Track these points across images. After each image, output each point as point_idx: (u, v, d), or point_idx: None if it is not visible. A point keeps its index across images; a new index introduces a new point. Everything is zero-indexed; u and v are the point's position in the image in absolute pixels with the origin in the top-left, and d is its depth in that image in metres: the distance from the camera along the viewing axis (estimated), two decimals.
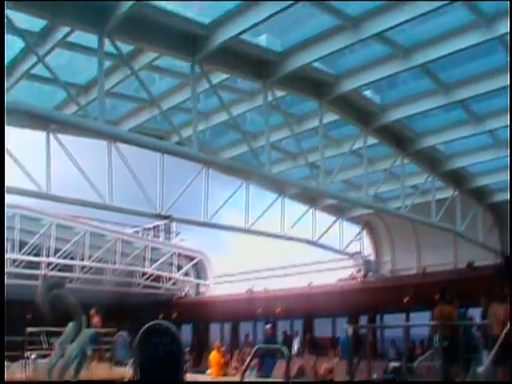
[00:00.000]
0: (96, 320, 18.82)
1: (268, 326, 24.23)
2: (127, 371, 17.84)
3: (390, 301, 22.46)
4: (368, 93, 13.14)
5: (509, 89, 11.08)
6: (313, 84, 12.13)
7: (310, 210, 20.68)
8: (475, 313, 16.00)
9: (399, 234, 23.32)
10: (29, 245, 25.25)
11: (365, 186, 14.31)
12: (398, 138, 14.87)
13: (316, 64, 11.50)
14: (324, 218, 21.85)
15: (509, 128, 12.64)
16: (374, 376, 15.70)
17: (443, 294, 13.09)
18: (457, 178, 17.44)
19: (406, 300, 21.73)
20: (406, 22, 9.74)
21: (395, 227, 23.19)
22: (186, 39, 10.28)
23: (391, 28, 9.95)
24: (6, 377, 17.27)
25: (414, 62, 11.05)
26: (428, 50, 10.74)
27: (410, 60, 11.00)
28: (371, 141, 14.31)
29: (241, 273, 30.42)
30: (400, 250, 23.69)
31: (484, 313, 14.01)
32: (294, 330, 25.60)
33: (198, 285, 32.04)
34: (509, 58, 9.18)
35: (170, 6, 9.62)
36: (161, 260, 29.88)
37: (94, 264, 27.62)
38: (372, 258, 24.58)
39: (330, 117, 13.37)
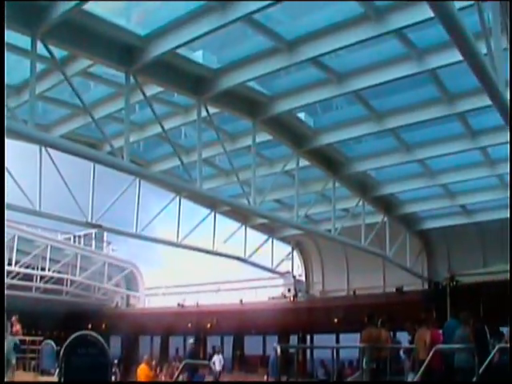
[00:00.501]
0: (17, 328, 18.27)
1: (191, 340, 24.19)
2: (53, 381, 17.48)
3: (320, 321, 22.74)
4: (302, 115, 13.26)
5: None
6: (247, 103, 12.17)
7: (242, 228, 20.74)
8: (402, 336, 16.25)
9: (330, 255, 23.59)
10: None
11: (296, 207, 14.39)
12: (330, 162, 15.07)
13: (251, 83, 11.55)
14: (255, 236, 21.97)
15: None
16: None
17: (371, 317, 13.27)
18: (386, 204, 17.81)
19: (335, 321, 21.96)
20: (342, 48, 9.90)
21: (326, 249, 23.47)
22: (121, 49, 10.14)
23: (326, 53, 10.09)
24: None
25: (347, 88, 11.24)
26: (362, 78, 10.94)
27: (343, 86, 11.17)
28: (303, 162, 14.44)
29: (173, 286, 30.25)
30: (330, 272, 23.96)
31: (410, 337, 14.28)
32: (218, 347, 25.47)
33: (128, 296, 31.63)
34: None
35: (106, 14, 9.51)
36: (92, 269, 29.45)
37: (21, 270, 26.92)
38: (302, 278, 24.77)
39: (264, 136, 13.43)
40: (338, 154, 14.89)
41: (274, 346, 22.94)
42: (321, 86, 11.47)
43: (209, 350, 27.13)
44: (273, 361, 22.08)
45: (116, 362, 24.36)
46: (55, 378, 16.66)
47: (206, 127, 12.44)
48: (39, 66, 10.03)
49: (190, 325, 26.56)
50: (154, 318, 27.98)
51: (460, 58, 9.04)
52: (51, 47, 9.63)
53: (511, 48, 8.91)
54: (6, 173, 13.86)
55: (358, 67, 10.89)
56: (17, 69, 11.49)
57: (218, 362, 23.95)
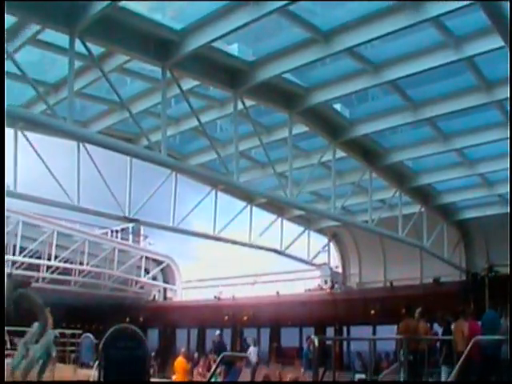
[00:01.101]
0: (49, 322, 18.38)
1: (217, 333, 24.39)
2: (92, 374, 17.75)
3: (356, 313, 22.59)
4: (338, 106, 13.21)
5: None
6: (283, 95, 12.17)
7: (278, 220, 20.77)
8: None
9: (366, 247, 23.48)
10: None
11: (333, 198, 14.37)
12: (367, 153, 14.97)
13: (287, 75, 11.54)
14: (292, 228, 21.96)
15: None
16: None
17: (409, 308, 13.15)
18: (424, 194, 17.62)
19: (372, 312, 21.84)
20: (377, 38, 9.83)
21: (362, 240, 23.35)
22: (157, 44, 10.23)
23: (362, 43, 10.07)
24: None
25: (383, 78, 11.16)
26: (398, 67, 10.85)
27: (379, 76, 11.10)
28: (340, 154, 14.38)
29: (209, 279, 30.40)
30: (367, 263, 23.85)
31: (441, 329, 14.11)
32: (253, 338, 25.54)
33: (165, 289, 31.87)
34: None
35: (142, 10, 9.60)
36: (129, 263, 29.71)
37: (60, 264, 27.32)
38: (339, 269, 24.71)
39: (300, 128, 13.42)
40: (375, 144, 14.78)
41: (308, 338, 23.05)
42: (357, 77, 11.40)
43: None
44: (306, 353, 22.18)
45: (153, 354, 24.63)
46: (94, 371, 16.94)
47: (241, 120, 12.47)
48: (77, 64, 10.13)
49: (226, 317, 26.64)
50: (191, 310, 28.15)
51: (498, 44, 9.08)
52: (88, 44, 9.73)
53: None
54: (46, 169, 14.23)
55: (394, 57, 10.80)
56: (55, 67, 11.70)
57: (254, 353, 24.03)
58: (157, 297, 31.78)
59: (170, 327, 30.91)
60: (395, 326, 16.93)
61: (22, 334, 18.12)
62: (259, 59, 10.97)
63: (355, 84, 11.57)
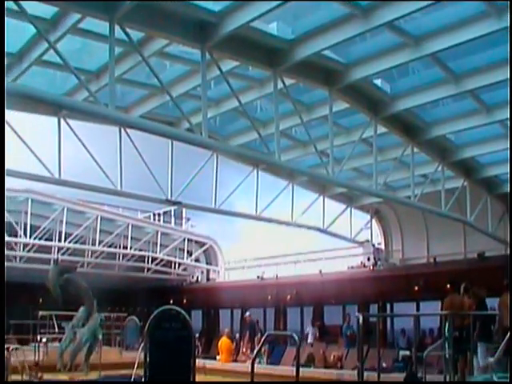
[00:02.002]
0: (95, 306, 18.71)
1: (248, 313, 24.61)
2: (138, 356, 18.05)
3: (400, 289, 22.47)
4: (378, 82, 13.09)
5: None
6: (323, 72, 12.09)
7: (320, 198, 20.74)
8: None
9: (409, 222, 23.35)
10: (40, 229, 25.37)
11: (375, 175, 14.27)
12: (408, 127, 14.80)
13: (326, 52, 11.44)
14: (334, 206, 21.93)
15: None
16: (384, 365, 15.75)
17: (454, 283, 12.99)
18: (467, 168, 17.38)
19: (416, 289, 21.71)
20: (417, 11, 9.69)
21: (405, 216, 23.23)
22: (196, 26, 10.25)
23: (402, 17, 9.91)
24: (18, 359, 17.57)
25: (424, 52, 10.97)
26: (438, 40, 10.65)
27: (420, 49, 10.92)
28: (381, 129, 14.25)
29: (252, 259, 30.55)
30: (410, 239, 23.73)
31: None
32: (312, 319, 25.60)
33: (208, 271, 32.13)
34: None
35: None
36: (172, 245, 29.98)
37: (104, 249, 27.75)
38: (382, 246, 24.63)
39: (340, 105, 13.35)
40: (416, 119, 14.60)
41: (346, 316, 23.11)
42: (397, 51, 11.24)
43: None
44: (345, 331, 22.25)
45: (197, 335, 24.92)
46: (139, 353, 17.23)
47: (282, 99, 12.42)
48: (117, 50, 10.22)
49: (269, 297, 26.75)
50: (234, 291, 28.31)
51: None
52: (128, 30, 9.80)
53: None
54: (88, 156, 14.43)
55: (435, 29, 10.59)
56: (95, 55, 11.83)
57: (311, 333, 24.09)
58: (200, 278, 32.02)
59: (214, 308, 31.16)
60: (439, 302, 16.84)
61: (68, 318, 18.55)
62: (298, 37, 10.89)
63: (395, 58, 11.39)
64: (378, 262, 24.00)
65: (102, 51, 10.74)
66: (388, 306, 24.08)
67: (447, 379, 10.98)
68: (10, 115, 12.86)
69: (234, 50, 11.01)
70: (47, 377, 17.53)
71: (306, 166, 16.28)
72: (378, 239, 24.73)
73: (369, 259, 24.21)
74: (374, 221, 24.37)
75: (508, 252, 19.56)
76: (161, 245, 29.55)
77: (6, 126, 12.62)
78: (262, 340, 16.33)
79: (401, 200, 17.56)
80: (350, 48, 11.72)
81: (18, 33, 10.40)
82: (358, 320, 9.91)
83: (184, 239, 30.79)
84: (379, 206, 23.56)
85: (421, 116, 14.65)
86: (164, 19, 9.95)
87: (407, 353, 18.07)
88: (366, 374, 9.14)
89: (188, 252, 31.21)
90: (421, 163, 16.38)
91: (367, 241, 24.33)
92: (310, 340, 23.78)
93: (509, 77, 9.92)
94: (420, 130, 14.96)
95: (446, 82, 12.42)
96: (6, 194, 23.77)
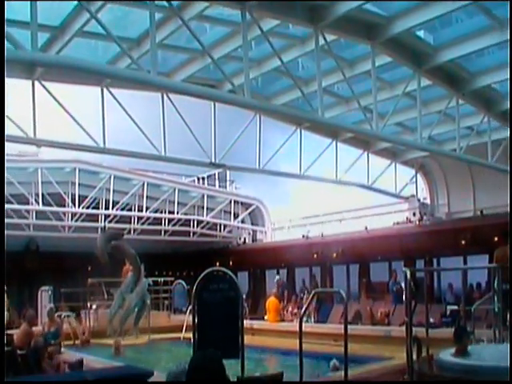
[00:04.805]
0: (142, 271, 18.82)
1: (277, 277, 24.66)
2: (186, 319, 18.40)
3: (446, 244, 22.30)
4: (421, 33, 12.88)
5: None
6: (364, 26, 11.94)
7: (364, 154, 20.64)
8: None
9: (454, 176, 23.07)
10: (88, 198, 25.76)
11: (419, 129, 14.09)
12: (453, 79, 14.52)
13: (367, 6, 11.27)
14: (378, 162, 21.80)
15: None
16: (431, 320, 15.70)
17: (505, 235, 12.71)
18: None
19: (463, 243, 21.53)
20: None
21: (450, 169, 22.96)
22: None
23: None
24: (70, 326, 18.05)
25: None
26: None
27: None
28: (425, 82, 14.03)
29: (298, 219, 30.54)
30: (456, 193, 23.46)
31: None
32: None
33: (255, 232, 32.27)
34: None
35: None
36: (218, 208, 30.11)
37: (151, 214, 28.05)
38: (427, 200, 24.43)
39: (383, 59, 13.14)
40: (461, 69, 14.31)
41: (392, 272, 23.00)
42: (439, 0, 10.99)
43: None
44: (391, 287, 22.20)
45: (244, 296, 25.17)
46: (187, 315, 17.53)
47: (323, 56, 12.32)
48: (156, 16, 10.20)
49: (315, 256, 26.84)
50: (280, 251, 28.38)
51: None
52: None
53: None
54: (131, 124, 14.56)
55: None
56: (136, 22, 11.85)
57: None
58: (247, 240, 32.22)
59: (260, 269, 31.40)
60: (486, 256, 16.70)
61: (117, 285, 18.92)
62: None
63: (438, 8, 11.13)
64: (424, 217, 23.82)
65: (141, 18, 10.76)
66: (435, 262, 23.93)
67: (496, 334, 10.87)
68: (53, 87, 13.09)
69: (274, 9, 10.91)
70: (98, 342, 18.01)
71: (349, 122, 16.15)
72: (424, 194, 24.54)
73: (414, 214, 24.04)
74: (419, 175, 24.15)
75: None
76: (207, 208, 29.71)
77: (50, 97, 12.96)
78: (309, 298, 16.45)
79: (446, 153, 17.34)
80: (391, 0, 11.49)
81: (59, 6, 10.51)
82: (406, 275, 9.80)
83: (230, 201, 30.80)
84: (424, 160, 23.30)
85: (465, 66, 14.35)
86: None
87: (455, 307, 17.98)
88: (413, 329, 9.10)
89: (234, 214, 31.30)
90: (466, 115, 16.15)
91: (412, 196, 24.16)
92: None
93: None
94: (465, 81, 14.67)
95: (491, 29, 12.11)
96: (54, 165, 24.32)
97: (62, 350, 14.17)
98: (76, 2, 9.93)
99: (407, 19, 11.63)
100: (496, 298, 11.73)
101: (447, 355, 8.33)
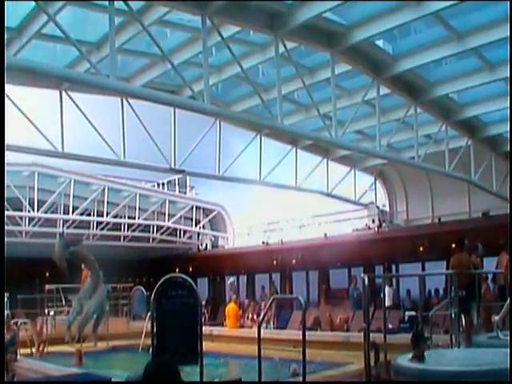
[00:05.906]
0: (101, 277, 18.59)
1: (232, 279, 24.69)
2: (145, 325, 18.24)
3: (405, 250, 22.54)
4: (380, 42, 13.03)
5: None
6: (324, 34, 11.99)
7: (324, 161, 20.76)
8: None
9: (413, 183, 23.41)
10: (47, 203, 25.34)
11: (378, 136, 14.22)
12: (411, 88, 14.71)
13: (327, 14, 11.33)
14: (338, 169, 21.94)
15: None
16: (390, 326, 15.86)
17: (461, 241, 12.93)
18: (470, 127, 17.34)
19: (421, 249, 21.81)
20: None
21: (409, 177, 23.28)
22: None
23: None
24: (27, 333, 17.75)
25: (426, 10, 10.84)
26: None
27: (422, 8, 10.81)
28: (384, 91, 14.17)
29: (257, 225, 30.52)
30: (414, 200, 23.80)
31: None
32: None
33: (217, 238, 32.15)
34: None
35: None
36: (179, 214, 29.92)
37: (110, 220, 27.74)
38: (386, 208, 24.70)
39: (342, 67, 13.25)
40: (419, 78, 14.51)
41: (352, 278, 23.21)
42: (398, 11, 11.12)
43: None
44: (351, 293, 22.38)
45: (204, 303, 25.07)
46: (146, 322, 17.39)
47: (283, 63, 12.35)
48: (116, 20, 10.11)
49: (275, 262, 26.88)
50: (239, 257, 28.32)
51: None
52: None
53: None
54: (90, 128, 14.40)
55: None
56: (95, 26, 11.75)
57: (388, 295, 20.88)
58: (209, 246, 32.09)
59: (220, 275, 31.30)
60: (444, 262, 16.88)
61: (75, 291, 18.67)
62: None
63: (397, 18, 11.27)
64: (383, 224, 24.08)
65: (101, 22, 10.64)
66: (393, 268, 24.17)
67: (453, 339, 11.05)
68: (11, 90, 12.86)
69: (235, 15, 10.90)
70: (55, 349, 17.74)
71: (309, 129, 16.21)
72: (383, 201, 24.82)
73: (373, 221, 24.28)
74: (378, 183, 24.46)
75: None
76: (168, 214, 29.52)
77: (7, 100, 12.72)
78: (268, 304, 16.48)
79: (405, 161, 17.57)
80: (350, 9, 11.59)
81: (17, 7, 10.34)
82: (364, 281, 9.90)
83: (192, 207, 30.67)
84: (383, 168, 23.59)
85: (424, 76, 14.56)
86: None
87: (413, 313, 18.18)
88: (372, 335, 9.20)
89: (196, 220, 31.15)
90: (424, 123, 16.32)
91: (372, 203, 24.42)
92: (387, 302, 19.82)
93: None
94: (423, 90, 14.88)
95: (449, 40, 12.31)
96: (12, 168, 23.85)
97: (19, 357, 13.93)
98: (34, 3, 9.77)
99: (367, 28, 11.76)
100: (453, 304, 11.91)
101: (404, 360, 8.42)
